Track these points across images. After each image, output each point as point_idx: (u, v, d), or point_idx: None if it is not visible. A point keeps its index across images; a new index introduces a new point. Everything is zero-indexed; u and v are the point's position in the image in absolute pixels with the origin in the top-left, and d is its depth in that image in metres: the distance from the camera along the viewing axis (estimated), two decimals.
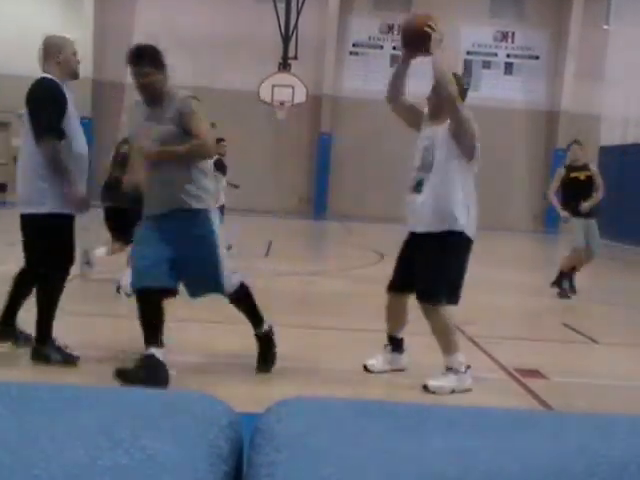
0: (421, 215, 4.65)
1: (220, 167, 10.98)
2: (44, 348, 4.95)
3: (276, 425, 0.75)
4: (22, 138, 5.02)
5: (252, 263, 11.82)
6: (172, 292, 4.84)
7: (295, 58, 21.02)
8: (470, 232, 4.74)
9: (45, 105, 4.85)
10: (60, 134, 4.77)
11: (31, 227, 4.94)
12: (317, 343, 6.19)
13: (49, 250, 4.88)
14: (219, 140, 10.72)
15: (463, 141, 4.57)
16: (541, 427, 0.75)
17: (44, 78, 4.97)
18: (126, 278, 6.63)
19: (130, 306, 7.59)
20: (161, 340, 4.66)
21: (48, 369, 4.79)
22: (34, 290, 5.04)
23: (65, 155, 4.79)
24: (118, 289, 7.52)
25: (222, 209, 9.81)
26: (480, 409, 0.82)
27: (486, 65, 25.64)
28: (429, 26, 4.61)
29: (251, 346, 6.29)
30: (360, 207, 24.64)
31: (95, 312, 6.93)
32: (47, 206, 4.80)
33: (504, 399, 4.61)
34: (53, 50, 5.03)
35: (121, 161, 7.83)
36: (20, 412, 0.74)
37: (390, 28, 25.39)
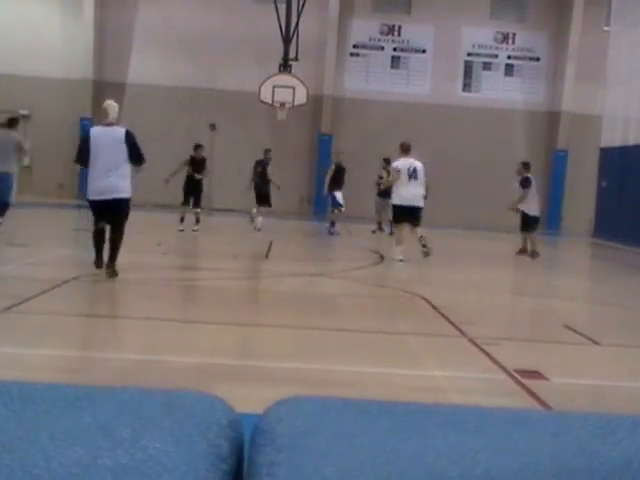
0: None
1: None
2: (115, 268, 8.70)
3: (276, 425, 0.75)
4: (114, 155, 8.63)
5: (253, 264, 11.83)
6: None
7: (296, 59, 21.03)
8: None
9: (139, 146, 8.91)
10: None
11: (128, 204, 8.90)
12: (317, 343, 6.19)
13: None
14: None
15: None
16: (541, 427, 0.75)
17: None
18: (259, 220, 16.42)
19: (129, 307, 7.61)
20: None
21: (48, 369, 4.79)
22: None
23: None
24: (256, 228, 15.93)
25: None
26: (480, 409, 0.81)
27: (487, 66, 25.65)
28: None
29: (251, 346, 6.29)
30: (360, 208, 24.65)
31: (95, 312, 6.93)
32: (128, 194, 8.85)
33: (504, 400, 4.61)
34: None
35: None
36: (20, 412, 0.74)
37: (390, 29, 25.41)
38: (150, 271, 9.96)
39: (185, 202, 15.99)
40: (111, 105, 9.05)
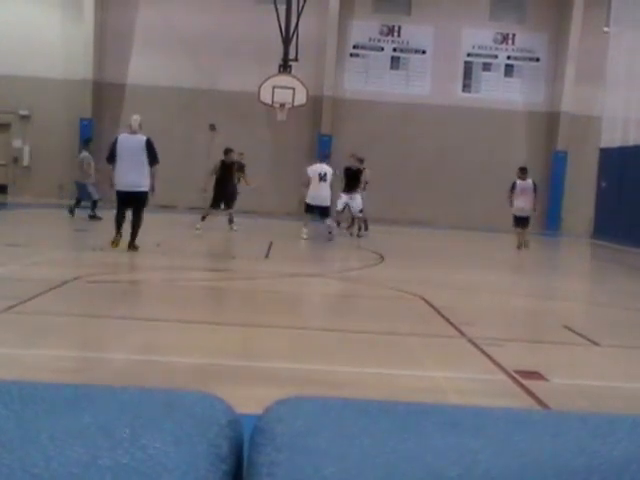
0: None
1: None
2: (135, 245, 11.20)
3: (276, 425, 0.75)
4: (136, 157, 11.13)
5: (253, 264, 11.83)
6: None
7: (295, 60, 21.02)
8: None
9: (156, 150, 11.34)
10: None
11: (146, 196, 11.41)
12: (317, 344, 6.19)
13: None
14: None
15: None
16: (541, 427, 0.75)
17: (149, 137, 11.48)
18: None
19: (129, 308, 7.60)
20: None
21: (48, 369, 4.80)
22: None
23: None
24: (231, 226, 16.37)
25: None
26: (480, 409, 0.82)
27: (486, 67, 25.64)
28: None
29: (251, 346, 6.29)
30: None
31: (95, 313, 6.93)
32: (147, 188, 11.38)
33: (504, 400, 4.61)
34: None
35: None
36: (20, 412, 0.74)
37: (390, 30, 25.41)
38: (149, 271, 9.95)
39: (213, 205, 16.00)
40: (134, 118, 11.57)
